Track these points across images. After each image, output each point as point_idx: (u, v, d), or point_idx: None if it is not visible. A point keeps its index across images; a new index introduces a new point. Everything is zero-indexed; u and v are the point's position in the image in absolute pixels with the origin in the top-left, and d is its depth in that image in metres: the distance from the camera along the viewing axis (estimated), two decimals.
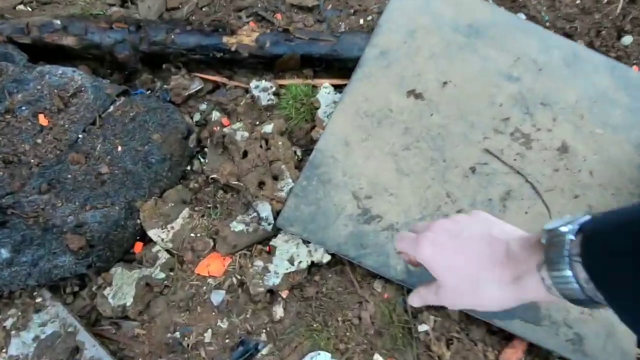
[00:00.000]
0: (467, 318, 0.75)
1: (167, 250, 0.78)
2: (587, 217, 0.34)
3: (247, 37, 0.97)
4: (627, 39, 1.05)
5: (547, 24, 1.07)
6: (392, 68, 0.92)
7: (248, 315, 0.74)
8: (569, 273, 0.32)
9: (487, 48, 0.94)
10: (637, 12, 1.08)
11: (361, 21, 1.08)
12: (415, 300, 0.47)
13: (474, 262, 0.40)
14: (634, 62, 1.04)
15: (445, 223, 0.44)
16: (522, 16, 1.08)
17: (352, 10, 1.09)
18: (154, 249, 0.77)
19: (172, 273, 0.76)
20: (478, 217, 0.44)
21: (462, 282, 0.41)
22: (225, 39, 0.96)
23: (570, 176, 0.85)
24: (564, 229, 0.34)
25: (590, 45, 1.05)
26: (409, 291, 0.77)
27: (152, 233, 0.77)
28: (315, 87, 0.98)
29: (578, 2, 1.09)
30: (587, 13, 1.08)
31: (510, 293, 0.38)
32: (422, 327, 0.73)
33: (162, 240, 0.78)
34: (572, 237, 0.33)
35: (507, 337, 0.74)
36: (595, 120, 0.90)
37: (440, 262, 0.41)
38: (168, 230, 0.79)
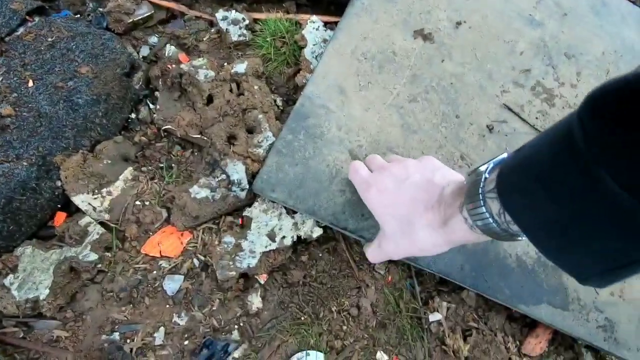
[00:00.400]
0: (486, 303, 0.62)
1: (102, 223, 0.57)
2: (504, 155, 0.37)
3: None
4: None
5: None
6: (395, 3, 0.74)
7: (214, 308, 0.57)
8: (482, 209, 0.35)
9: None
10: None
11: None
12: (369, 255, 0.52)
13: (409, 206, 0.43)
14: None
15: (394, 168, 0.47)
16: None
17: None
18: (82, 222, 0.56)
19: (108, 254, 0.56)
20: (426, 163, 0.47)
21: (398, 226, 0.45)
22: None
23: None
24: (482, 168, 0.38)
25: None
26: (417, 273, 0.63)
27: (79, 200, 0.56)
28: (299, 24, 0.79)
29: None
30: None
31: (441, 236, 0.41)
32: (434, 317, 0.59)
33: (95, 209, 0.57)
34: (487, 175, 0.37)
35: (528, 324, 0.63)
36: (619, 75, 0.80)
37: (381, 207, 0.46)
38: (103, 197, 0.58)
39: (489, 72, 0.74)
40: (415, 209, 0.43)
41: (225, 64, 0.73)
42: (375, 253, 0.50)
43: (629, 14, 0.84)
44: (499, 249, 0.62)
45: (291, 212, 0.61)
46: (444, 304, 0.60)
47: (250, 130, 0.66)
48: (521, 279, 0.61)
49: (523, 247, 0.63)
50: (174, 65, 0.70)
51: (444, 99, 0.70)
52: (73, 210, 0.58)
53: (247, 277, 0.58)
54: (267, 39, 0.75)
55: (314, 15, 0.78)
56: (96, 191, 0.57)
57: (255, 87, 0.68)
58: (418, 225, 0.42)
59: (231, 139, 0.65)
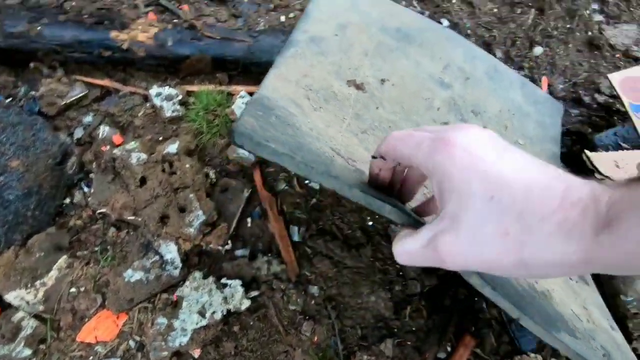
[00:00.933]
0: (402, 352, 0.70)
1: (36, 316, 0.60)
2: None
3: (143, 32, 0.79)
4: (538, 50, 1.09)
5: (469, 31, 1.06)
6: (327, 56, 0.81)
7: None
8: None
9: (417, 53, 0.88)
10: (545, 24, 1.11)
11: (282, 18, 0.96)
12: (401, 253, 0.31)
13: (530, 190, 0.26)
14: (543, 72, 1.08)
15: (481, 131, 0.30)
16: (446, 22, 1.05)
17: (271, 5, 0.96)
18: (15, 317, 0.58)
19: (43, 346, 0.58)
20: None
21: (495, 216, 0.26)
22: (113, 34, 0.78)
23: None
24: None
25: (506, 54, 1.08)
26: (341, 330, 0.69)
27: (12, 296, 0.58)
28: (231, 95, 0.84)
29: (495, 10, 1.10)
30: (503, 22, 1.09)
31: (585, 248, 0.24)
32: None
33: (28, 303, 0.59)
34: None
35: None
36: (516, 132, 0.91)
37: (467, 176, 0.27)
38: (37, 289, 0.60)
39: (416, 122, 0.82)
40: (542, 195, 0.26)
41: (160, 139, 0.78)
42: (417, 252, 0.30)
43: (515, 80, 0.96)
44: None
45: (220, 286, 0.66)
46: (365, 357, 0.67)
47: (182, 209, 0.70)
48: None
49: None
50: (107, 148, 0.73)
51: (383, 137, 0.77)
52: (5, 306, 0.60)
53: (179, 355, 0.63)
54: (200, 113, 0.80)
55: (244, 89, 0.84)
56: (29, 285, 0.60)
57: (187, 166, 0.72)
58: (543, 225, 0.25)
59: (164, 219, 0.69)
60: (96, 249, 0.67)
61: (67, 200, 0.70)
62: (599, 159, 0.75)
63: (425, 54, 0.89)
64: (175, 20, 0.86)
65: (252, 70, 0.85)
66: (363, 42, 0.84)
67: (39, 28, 0.74)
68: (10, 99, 0.76)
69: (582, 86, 1.17)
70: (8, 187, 0.63)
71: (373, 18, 0.87)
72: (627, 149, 0.90)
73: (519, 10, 1.11)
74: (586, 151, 0.77)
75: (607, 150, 0.89)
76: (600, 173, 0.73)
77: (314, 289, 0.71)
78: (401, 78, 0.85)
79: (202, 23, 0.85)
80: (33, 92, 0.77)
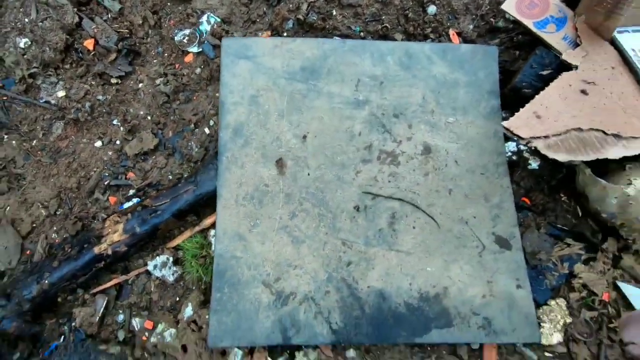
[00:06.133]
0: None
1: None
2: None
3: (114, 232, 0.93)
4: (432, 9, 1.07)
5: (362, 33, 1.07)
6: (250, 143, 0.94)
7: None
8: None
9: (327, 84, 0.96)
10: None
11: (206, 130, 1.06)
12: None
13: None
14: (448, 25, 1.07)
15: None
16: (337, 38, 1.08)
17: (191, 125, 1.07)
18: None
19: None
20: None
21: None
22: (97, 250, 0.92)
23: (440, 174, 0.92)
24: None
25: (405, 32, 1.08)
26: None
27: None
28: (206, 231, 0.97)
29: None
30: (387, 4, 1.08)
31: None
32: None
33: None
34: None
35: (478, 356, 0.84)
36: (445, 110, 0.96)
37: None
38: None
39: (341, 163, 0.93)
40: None
41: (179, 313, 0.91)
42: None
43: (433, 52, 0.98)
44: (390, 303, 0.84)
45: None
46: None
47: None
48: (411, 318, 0.83)
49: (407, 292, 0.85)
50: (146, 336, 0.89)
51: (315, 202, 0.91)
52: None
53: None
54: (192, 263, 0.93)
55: (212, 218, 0.96)
56: None
57: (207, 316, 0.86)
58: None
59: None
60: None
61: None
62: (518, 122, 0.79)
63: (335, 80, 0.96)
64: (131, 209, 0.96)
65: (209, 202, 0.96)
66: (277, 103, 0.94)
67: (46, 281, 0.90)
68: (62, 337, 0.93)
69: (490, 14, 1.11)
70: None
71: (278, 71, 0.96)
72: (549, 73, 0.90)
73: None
74: (502, 123, 0.81)
75: (531, 87, 0.90)
76: (522, 139, 0.77)
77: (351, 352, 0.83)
78: (319, 122, 0.94)
79: (149, 198, 0.97)
80: (73, 324, 0.92)
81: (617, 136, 0.76)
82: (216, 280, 0.86)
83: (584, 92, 0.81)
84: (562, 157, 0.75)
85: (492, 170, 0.92)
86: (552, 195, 0.92)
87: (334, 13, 1.14)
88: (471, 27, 1.12)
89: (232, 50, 0.97)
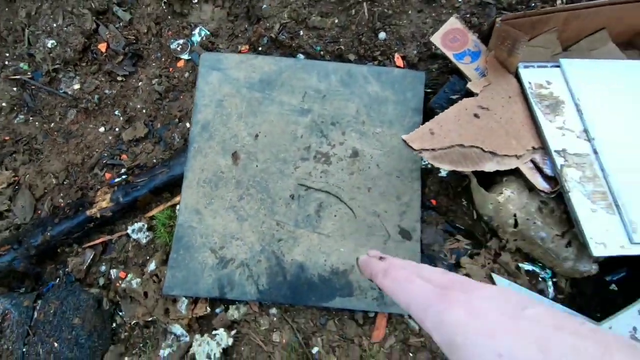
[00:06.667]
0: (340, 319, 1.06)
1: None
2: None
3: (103, 201, 1.17)
4: (382, 35, 1.26)
5: (322, 53, 1.28)
6: (214, 138, 1.17)
7: None
8: None
9: (279, 95, 1.18)
10: (379, 9, 1.27)
11: (187, 124, 1.29)
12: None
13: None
14: (395, 50, 1.26)
15: (489, 288, 0.32)
16: (301, 56, 1.28)
17: (176, 119, 1.31)
18: None
19: None
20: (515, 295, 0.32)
21: None
22: (89, 212, 1.16)
23: (363, 174, 1.12)
24: None
25: (357, 54, 1.27)
26: (298, 330, 1.07)
27: None
28: (176, 206, 1.19)
29: (336, 21, 1.28)
30: (345, 29, 1.28)
31: None
32: (314, 349, 1.02)
33: None
34: None
35: (372, 322, 1.04)
36: (374, 122, 1.15)
37: (479, 340, 0.28)
38: None
39: (284, 159, 1.14)
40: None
41: (145, 267, 1.15)
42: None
43: (369, 74, 1.18)
44: (307, 273, 1.05)
45: (213, 336, 1.06)
46: (319, 339, 1.04)
47: (174, 301, 1.13)
48: (322, 287, 1.03)
49: (322, 267, 1.05)
50: (120, 283, 1.13)
51: (260, 189, 1.13)
52: None
53: None
54: (161, 230, 1.17)
55: (178, 198, 1.20)
56: None
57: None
58: None
59: (167, 311, 1.10)
60: (140, 344, 1.12)
61: (114, 325, 1.14)
62: (414, 136, 0.97)
63: (286, 91, 1.18)
64: (117, 183, 1.21)
65: (179, 182, 1.16)
66: (237, 107, 1.17)
67: (49, 234, 1.15)
68: (57, 279, 1.20)
69: (432, 42, 1.27)
70: (79, 336, 1.09)
71: (241, 81, 1.18)
72: (457, 98, 1.07)
73: (353, 11, 1.28)
74: (402, 136, 0.99)
75: (442, 109, 1.08)
76: (414, 150, 0.95)
77: (274, 310, 1.07)
78: (270, 124, 1.16)
79: (133, 175, 1.21)
80: (67, 270, 1.18)
81: (493, 153, 0.94)
82: (175, 244, 1.09)
83: (476, 115, 0.99)
84: (446, 166, 0.93)
85: (406, 175, 1.11)
86: (456, 200, 1.10)
87: (301, 33, 1.36)
88: (415, 52, 1.30)
89: (207, 63, 1.20)
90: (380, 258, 0.43)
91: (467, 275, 1.03)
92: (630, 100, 1.00)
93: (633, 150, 0.94)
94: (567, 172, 0.91)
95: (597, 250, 0.82)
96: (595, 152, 0.94)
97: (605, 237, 0.84)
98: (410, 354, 0.98)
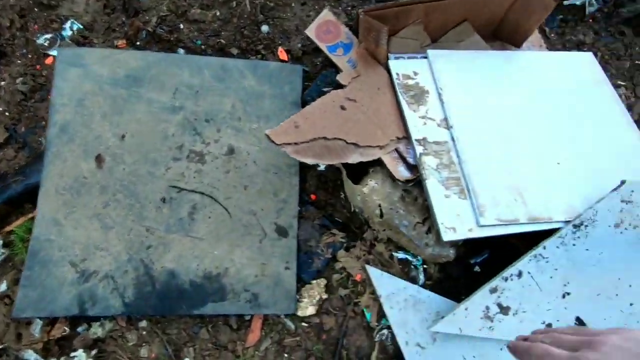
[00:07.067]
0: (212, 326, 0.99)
1: None
2: None
3: None
4: (265, 28, 1.23)
5: (203, 47, 1.22)
6: (74, 140, 1.06)
7: None
8: None
9: (148, 91, 1.10)
10: (262, 2, 1.24)
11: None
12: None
13: None
14: (279, 43, 1.23)
15: (613, 338, 0.35)
16: (182, 51, 1.22)
17: (44, 122, 1.17)
18: None
19: None
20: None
21: None
22: None
23: (239, 172, 1.07)
24: None
25: (240, 48, 1.23)
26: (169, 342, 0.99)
27: None
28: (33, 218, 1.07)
29: (218, 14, 1.24)
30: (227, 22, 1.24)
31: None
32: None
33: None
34: None
35: (248, 325, 0.99)
36: (250, 118, 1.11)
37: None
38: None
39: (153, 159, 1.07)
40: None
41: None
42: None
43: (245, 68, 1.14)
44: (178, 280, 0.98)
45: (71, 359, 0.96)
46: (191, 349, 0.97)
47: (29, 323, 1.01)
48: (192, 294, 0.97)
49: (194, 272, 0.99)
50: None
51: (127, 194, 1.04)
52: None
53: None
54: (20, 247, 1.04)
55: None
56: None
57: None
58: None
59: (19, 334, 0.98)
60: None
61: None
62: (278, 130, 0.94)
63: (155, 88, 1.10)
64: None
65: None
66: (100, 105, 1.07)
67: None
68: None
69: None
70: None
71: (104, 78, 1.09)
72: (329, 90, 1.06)
73: (234, 3, 1.24)
74: (265, 131, 0.96)
75: (313, 101, 1.06)
76: (277, 144, 0.92)
77: (143, 323, 0.99)
78: (137, 123, 1.08)
79: None
80: None
81: (356, 145, 0.93)
82: (29, 260, 0.98)
83: (342, 107, 0.98)
84: (309, 160, 0.91)
85: (284, 170, 1.08)
86: (334, 193, 1.09)
87: (182, 27, 1.28)
88: (299, 45, 1.28)
89: (65, 59, 1.09)
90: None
91: (343, 268, 1.02)
92: (488, 90, 1.05)
93: (487, 136, 0.98)
94: (425, 160, 0.93)
95: (447, 235, 0.84)
96: (453, 139, 0.96)
97: (456, 222, 0.86)
98: (285, 355, 0.95)
